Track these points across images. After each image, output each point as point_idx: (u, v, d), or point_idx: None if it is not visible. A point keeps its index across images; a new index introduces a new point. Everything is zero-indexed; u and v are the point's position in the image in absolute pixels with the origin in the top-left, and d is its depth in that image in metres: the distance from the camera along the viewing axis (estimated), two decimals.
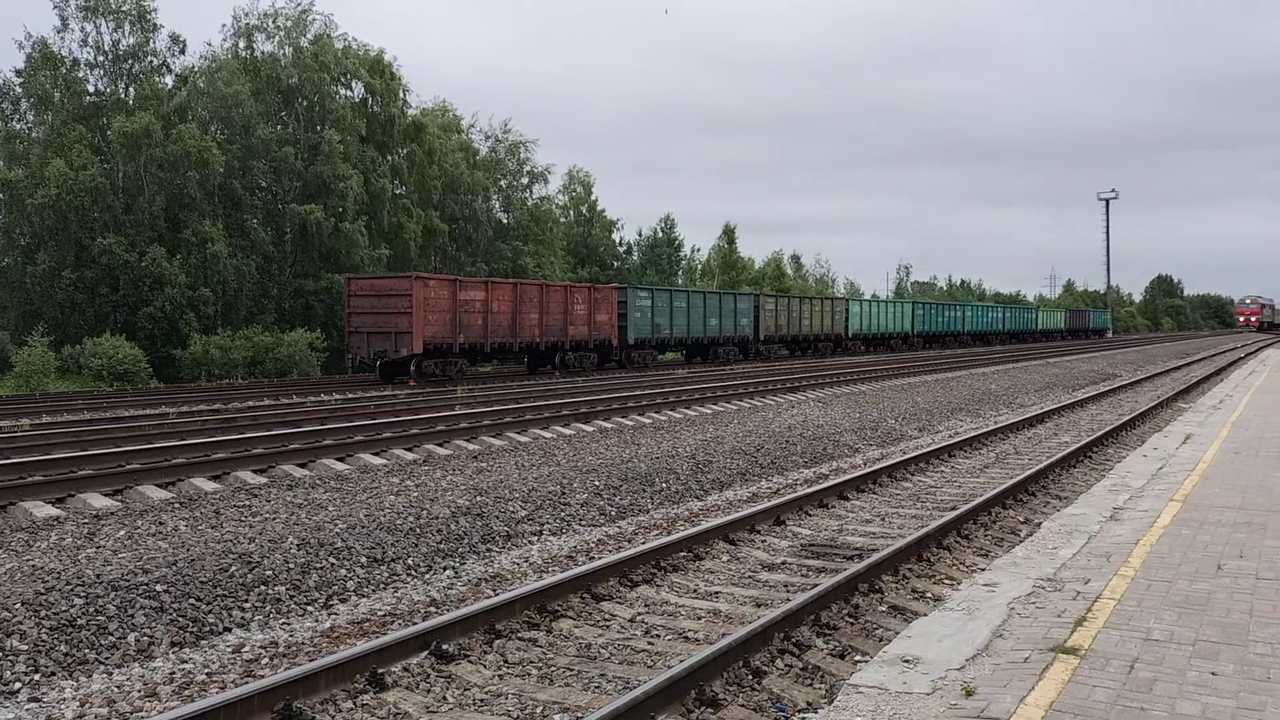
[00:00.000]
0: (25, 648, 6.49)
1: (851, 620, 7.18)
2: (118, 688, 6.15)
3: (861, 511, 11.22)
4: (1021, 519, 10.77)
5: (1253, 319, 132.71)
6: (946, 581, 8.28)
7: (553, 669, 6.30)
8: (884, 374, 31.28)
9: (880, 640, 6.68)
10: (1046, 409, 22.14)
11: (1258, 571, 6.83)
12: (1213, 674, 4.90)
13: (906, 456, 14.34)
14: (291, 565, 8.41)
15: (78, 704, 5.89)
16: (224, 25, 45.74)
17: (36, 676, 6.25)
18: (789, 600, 7.36)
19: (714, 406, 20.86)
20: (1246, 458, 12.35)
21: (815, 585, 7.74)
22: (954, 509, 10.82)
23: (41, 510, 9.95)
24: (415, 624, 7.09)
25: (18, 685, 6.12)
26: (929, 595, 7.86)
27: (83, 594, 7.27)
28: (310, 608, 7.83)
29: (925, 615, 6.49)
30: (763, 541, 9.75)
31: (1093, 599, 6.26)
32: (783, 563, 8.97)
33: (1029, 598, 6.37)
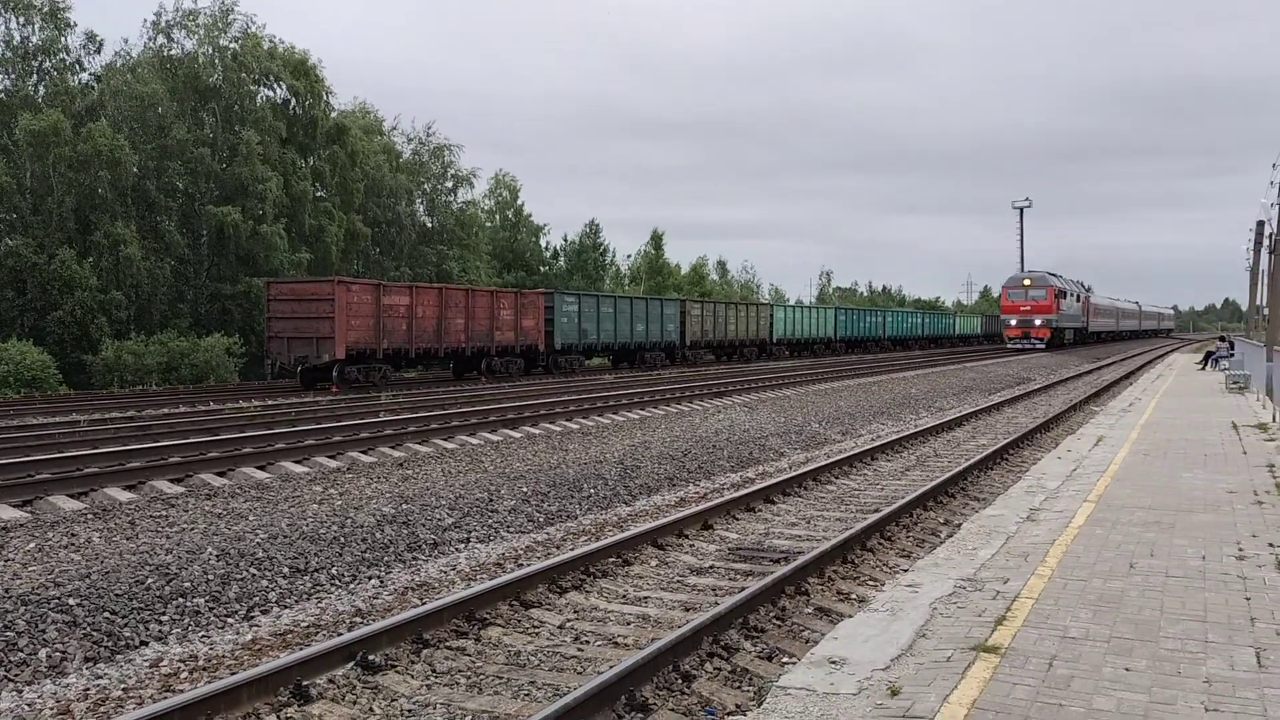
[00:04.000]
0: None
1: (779, 623, 7.26)
2: (29, 706, 5.94)
3: (787, 515, 11.35)
4: (942, 520, 11.00)
5: (1036, 323, 59.54)
6: (871, 583, 8.41)
7: (482, 677, 6.26)
8: (808, 379, 31.67)
9: (807, 642, 6.76)
10: (965, 412, 22.65)
11: (1168, 570, 7.08)
12: (1126, 670, 5.06)
13: (831, 460, 14.55)
14: (211, 576, 8.21)
15: None
16: (144, 21, 44.34)
17: None
18: (717, 604, 7.41)
19: (641, 412, 20.91)
20: (1155, 459, 12.78)
21: (743, 589, 7.80)
22: (877, 511, 11.01)
23: None
24: (340, 635, 6.98)
25: None
26: (854, 597, 7.98)
27: None
28: (231, 620, 7.65)
29: (851, 617, 6.59)
30: (691, 546, 9.80)
31: (1012, 598, 6.42)
32: (711, 567, 9.03)
33: (950, 598, 6.51)
